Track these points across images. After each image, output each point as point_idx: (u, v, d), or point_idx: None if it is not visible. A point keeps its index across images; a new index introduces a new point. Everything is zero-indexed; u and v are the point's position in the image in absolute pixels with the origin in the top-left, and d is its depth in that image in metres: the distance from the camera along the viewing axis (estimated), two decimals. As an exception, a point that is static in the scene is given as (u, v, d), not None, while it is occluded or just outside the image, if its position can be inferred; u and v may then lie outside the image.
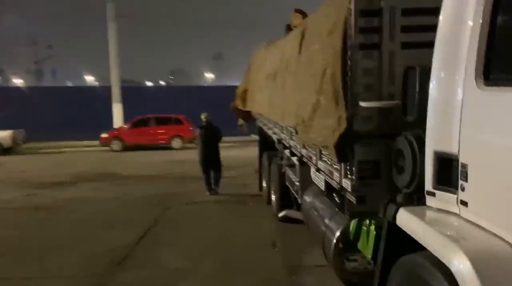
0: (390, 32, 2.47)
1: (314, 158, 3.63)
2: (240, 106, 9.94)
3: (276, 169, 6.89)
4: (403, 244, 2.31)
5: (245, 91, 9.90)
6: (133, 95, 22.27)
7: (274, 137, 6.31)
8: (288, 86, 4.70)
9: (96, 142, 19.49)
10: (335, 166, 3.06)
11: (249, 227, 6.82)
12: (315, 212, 4.13)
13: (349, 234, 3.38)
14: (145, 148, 18.34)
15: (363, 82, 2.53)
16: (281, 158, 6.19)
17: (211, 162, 9.35)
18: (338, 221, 3.56)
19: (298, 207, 6.22)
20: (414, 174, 2.22)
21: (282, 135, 5.47)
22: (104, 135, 18.41)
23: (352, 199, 2.67)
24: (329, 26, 3.05)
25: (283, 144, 5.59)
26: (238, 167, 12.65)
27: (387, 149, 2.51)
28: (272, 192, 7.42)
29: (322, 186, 3.52)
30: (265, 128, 7.40)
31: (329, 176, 3.16)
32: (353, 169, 2.61)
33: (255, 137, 16.08)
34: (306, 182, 4.91)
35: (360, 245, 3.12)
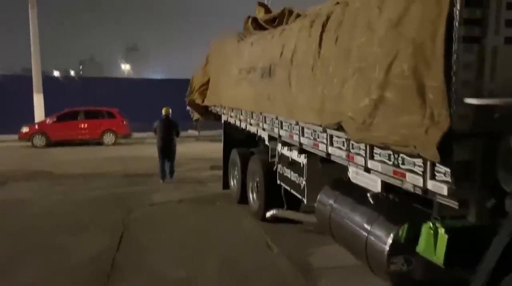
0: (495, 25, 2.40)
1: (359, 157, 3.47)
2: (198, 101, 9.52)
3: (259, 167, 6.63)
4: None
5: (203, 85, 9.49)
6: (51, 86, 20.27)
7: (263, 133, 6.05)
8: (303, 81, 4.48)
9: (13, 137, 17.41)
10: (405, 166, 2.92)
11: (231, 227, 6.49)
12: (345, 216, 3.97)
13: (400, 238, 3.31)
14: (72, 144, 16.77)
15: (464, 77, 2.42)
16: (272, 156, 5.95)
17: (167, 153, 9.91)
18: (384, 226, 3.46)
19: (290, 206, 6.07)
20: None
21: (283, 133, 5.23)
22: (24, 129, 16.44)
23: (453, 203, 2.55)
24: (399, 16, 2.89)
25: (283, 141, 5.36)
26: (188, 163, 12.13)
27: (489, 148, 2.43)
28: (250, 190, 7.15)
29: (375, 187, 3.37)
30: (242, 124, 7.08)
31: (395, 177, 3.02)
32: (450, 170, 2.50)
33: (194, 133, 15.62)
34: (317, 181, 4.76)
35: (422, 250, 3.05)
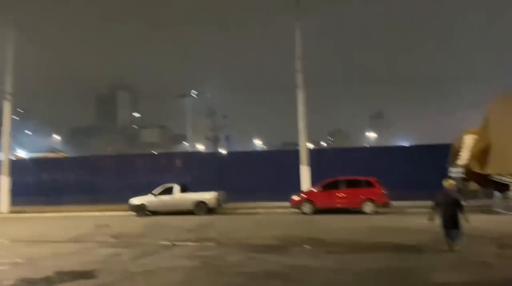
0: None
1: None
2: (476, 169, 8.59)
3: None
4: None
5: (482, 151, 8.54)
6: (314, 157, 22.33)
7: None
8: None
9: (284, 203, 19.83)
10: None
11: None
12: None
13: None
14: (334, 211, 17.80)
15: None
16: None
17: (451, 226, 9.50)
18: None
19: None
20: None
21: None
22: (295, 197, 18.53)
23: None
24: None
25: None
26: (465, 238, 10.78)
27: None
28: None
29: None
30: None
31: None
32: None
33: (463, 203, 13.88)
34: None
35: None
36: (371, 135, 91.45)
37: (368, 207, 17.53)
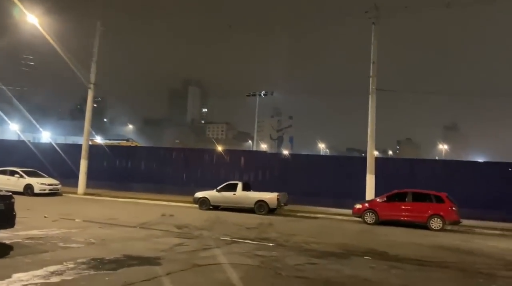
0: None
1: None
2: None
3: None
4: None
5: None
6: (380, 166, 21.58)
7: None
8: None
9: (345, 211, 19.45)
10: None
11: None
12: None
13: None
14: (397, 223, 17.12)
15: None
16: None
17: None
18: None
19: None
20: None
21: None
22: (357, 206, 18.08)
23: None
24: None
25: None
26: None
27: None
28: None
29: None
30: None
31: None
32: None
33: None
34: None
35: None
36: (443, 147, 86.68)
37: (435, 223, 16.63)
